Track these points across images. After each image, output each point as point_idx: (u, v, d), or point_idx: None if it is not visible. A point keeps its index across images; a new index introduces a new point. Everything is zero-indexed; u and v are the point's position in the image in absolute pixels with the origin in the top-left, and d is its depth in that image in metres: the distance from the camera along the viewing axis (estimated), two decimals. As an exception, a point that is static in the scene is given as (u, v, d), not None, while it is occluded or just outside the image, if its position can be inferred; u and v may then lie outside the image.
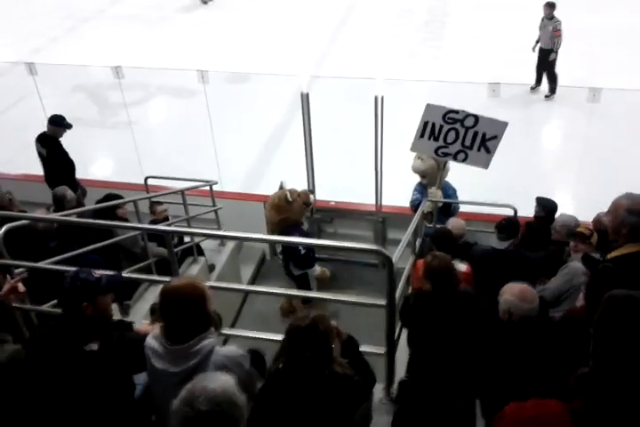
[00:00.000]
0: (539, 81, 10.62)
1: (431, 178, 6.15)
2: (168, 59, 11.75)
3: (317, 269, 6.28)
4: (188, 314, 2.42)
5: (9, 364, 2.85)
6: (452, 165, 6.21)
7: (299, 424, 2.48)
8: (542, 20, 10.36)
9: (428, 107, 5.26)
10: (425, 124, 5.32)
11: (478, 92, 6.46)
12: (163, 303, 2.47)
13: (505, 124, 5.34)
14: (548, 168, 8.57)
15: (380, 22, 13.88)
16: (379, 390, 3.49)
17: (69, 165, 6.95)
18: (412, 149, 5.63)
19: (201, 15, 14.70)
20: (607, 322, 1.74)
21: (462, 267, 4.47)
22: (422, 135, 5.40)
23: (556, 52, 10.18)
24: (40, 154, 6.97)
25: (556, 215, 5.47)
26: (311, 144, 6.84)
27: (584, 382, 1.74)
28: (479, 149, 5.42)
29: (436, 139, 5.42)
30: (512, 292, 3.20)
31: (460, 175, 6.50)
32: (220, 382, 1.82)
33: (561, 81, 9.87)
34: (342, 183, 6.88)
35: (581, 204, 7.16)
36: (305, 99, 6.45)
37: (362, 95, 6.51)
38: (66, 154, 6.92)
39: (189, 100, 9.87)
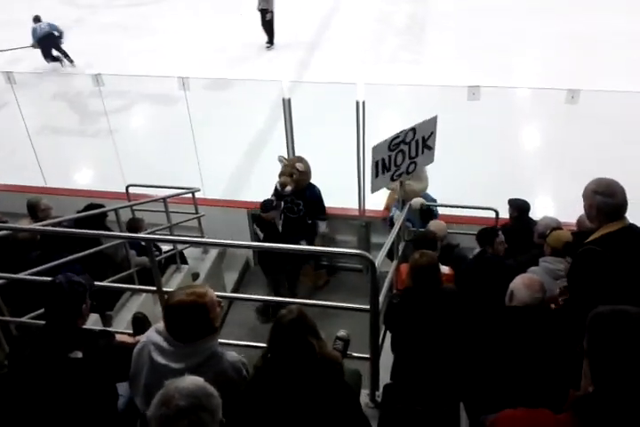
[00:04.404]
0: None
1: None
2: (148, 66, 11.71)
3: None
4: (191, 325, 2.46)
5: None
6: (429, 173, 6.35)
7: (289, 413, 2.46)
8: None
9: (375, 148, 5.31)
10: (376, 164, 5.37)
11: (458, 96, 6.49)
12: (167, 315, 2.49)
13: (434, 119, 5.45)
14: (529, 170, 8.63)
15: (361, 28, 13.96)
16: (363, 395, 3.49)
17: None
18: (374, 191, 5.67)
19: (181, 22, 14.67)
20: (600, 342, 1.67)
21: (444, 269, 4.50)
22: (377, 175, 5.46)
23: (272, 12, 13.06)
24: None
25: (539, 218, 5.49)
26: (294, 150, 6.84)
27: (585, 404, 1.67)
28: (423, 152, 5.56)
29: (388, 169, 5.50)
30: (523, 278, 3.31)
31: (440, 179, 6.55)
32: (190, 379, 1.86)
33: (539, 83, 9.96)
34: (325, 188, 6.87)
35: (562, 205, 7.22)
36: (287, 104, 6.46)
37: (343, 100, 6.53)
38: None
39: (170, 108, 9.84)
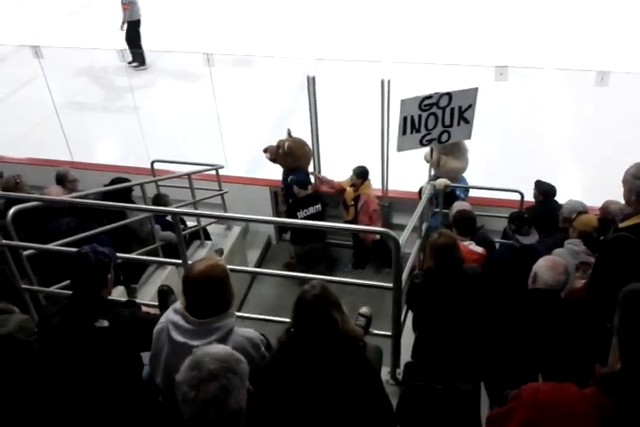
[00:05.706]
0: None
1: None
2: (173, 41, 11.68)
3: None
4: (211, 296, 2.47)
5: (18, 332, 2.88)
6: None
7: (312, 388, 2.50)
8: None
9: (403, 102, 5.28)
10: (404, 120, 5.33)
11: (485, 76, 6.40)
12: (186, 286, 2.49)
13: (475, 90, 5.37)
14: (556, 152, 8.52)
15: (387, 5, 13.75)
16: (384, 373, 3.52)
17: None
18: (399, 150, 5.62)
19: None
20: (631, 319, 1.67)
21: (478, 249, 4.49)
22: (404, 132, 5.41)
23: (123, 24, 11.31)
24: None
25: (564, 202, 5.43)
26: (317, 128, 6.81)
27: (614, 381, 1.67)
28: (459, 124, 5.50)
29: (418, 130, 5.45)
30: (546, 260, 3.32)
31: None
32: (219, 346, 1.90)
33: (568, 64, 9.77)
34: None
35: (589, 189, 7.13)
36: (311, 82, 6.42)
37: (368, 78, 6.47)
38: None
39: (195, 84, 9.83)
